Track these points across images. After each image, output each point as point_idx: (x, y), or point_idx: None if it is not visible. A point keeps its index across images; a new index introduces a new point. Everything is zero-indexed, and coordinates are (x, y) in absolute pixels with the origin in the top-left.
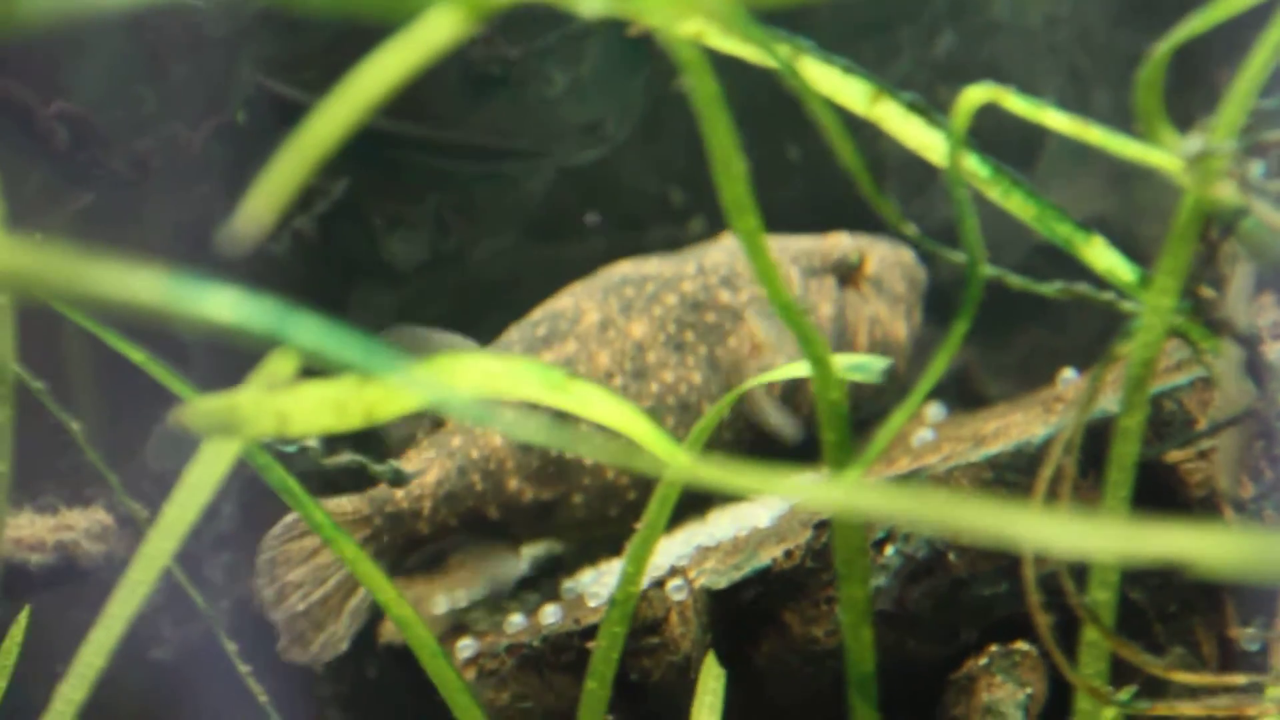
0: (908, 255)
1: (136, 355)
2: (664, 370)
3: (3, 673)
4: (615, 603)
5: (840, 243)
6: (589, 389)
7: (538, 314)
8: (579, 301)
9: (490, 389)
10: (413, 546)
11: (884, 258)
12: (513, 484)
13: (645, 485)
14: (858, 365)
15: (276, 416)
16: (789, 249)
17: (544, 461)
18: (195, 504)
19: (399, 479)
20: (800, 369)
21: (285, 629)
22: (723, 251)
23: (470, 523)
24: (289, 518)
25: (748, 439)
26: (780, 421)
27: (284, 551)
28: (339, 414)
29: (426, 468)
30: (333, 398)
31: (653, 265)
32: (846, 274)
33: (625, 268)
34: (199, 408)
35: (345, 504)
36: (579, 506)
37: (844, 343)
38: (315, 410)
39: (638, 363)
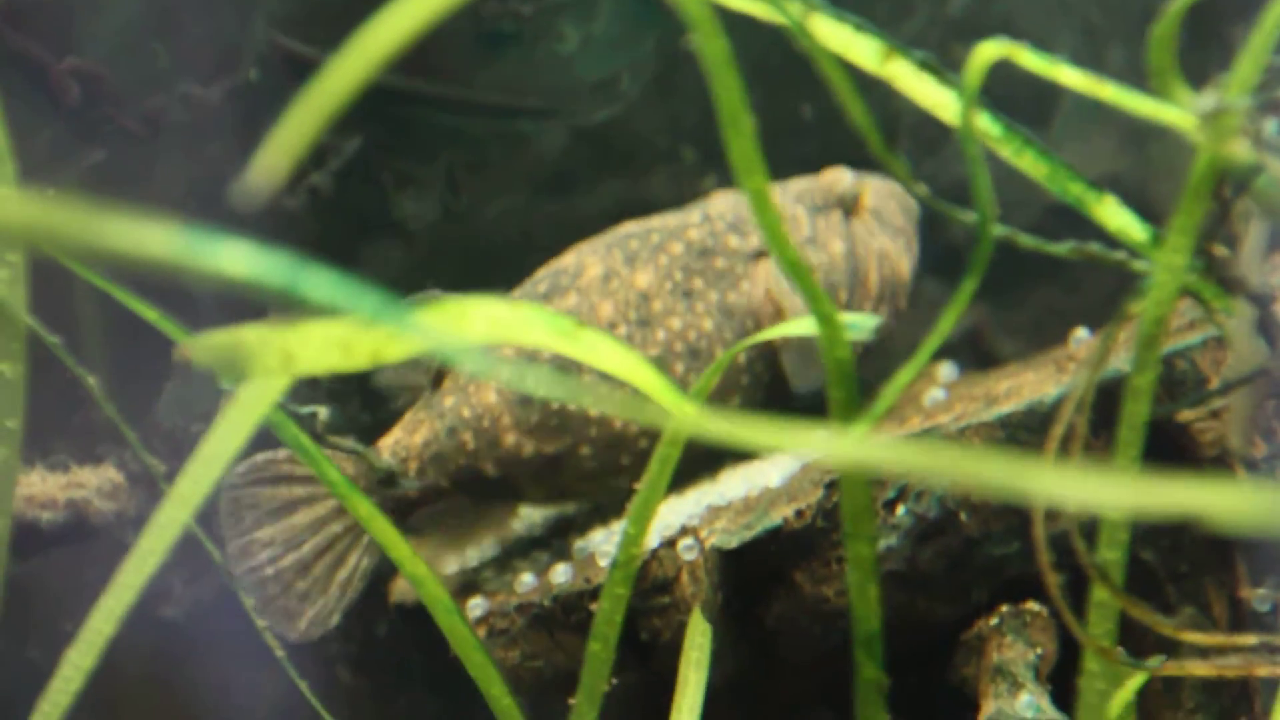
0: (899, 187)
1: (149, 313)
2: (671, 317)
3: None
4: (618, 564)
5: (841, 177)
6: (597, 336)
7: (541, 273)
8: (582, 258)
9: (498, 335)
10: (401, 511)
11: (879, 190)
12: (510, 439)
13: (655, 432)
14: (850, 324)
15: (282, 354)
16: (790, 189)
17: (545, 414)
18: (210, 475)
19: (391, 480)
20: (810, 325)
21: (259, 593)
22: (728, 199)
23: (464, 482)
24: (258, 456)
25: (764, 385)
26: (801, 370)
27: (251, 495)
28: (345, 354)
29: (414, 429)
30: (339, 337)
31: (657, 219)
32: (849, 207)
33: (630, 224)
34: (204, 342)
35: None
36: (587, 458)
37: (858, 279)
38: (321, 349)
39: (642, 311)
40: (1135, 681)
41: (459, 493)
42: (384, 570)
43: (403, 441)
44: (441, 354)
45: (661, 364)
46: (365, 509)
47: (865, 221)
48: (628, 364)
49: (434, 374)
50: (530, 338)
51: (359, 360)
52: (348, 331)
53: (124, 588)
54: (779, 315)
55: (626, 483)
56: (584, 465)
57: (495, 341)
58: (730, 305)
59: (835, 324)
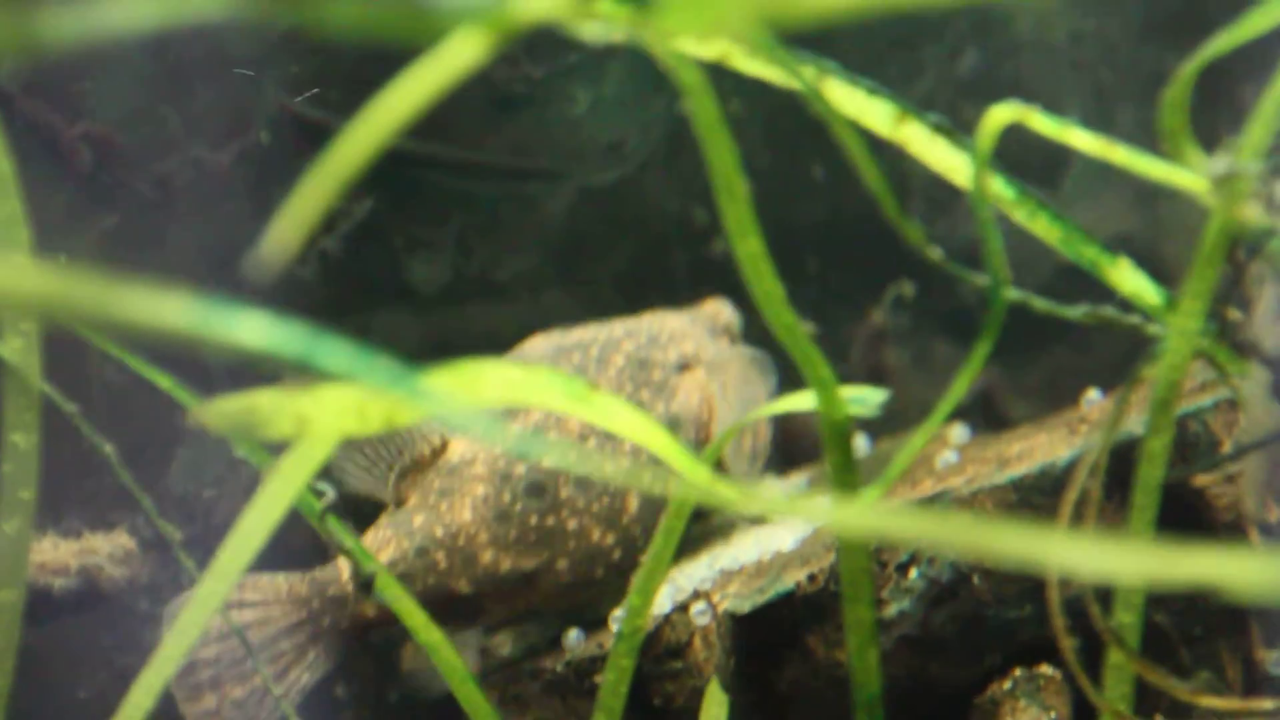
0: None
1: (163, 380)
2: None
3: None
4: (623, 636)
5: (722, 309)
6: (610, 401)
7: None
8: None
9: (511, 399)
10: (359, 632)
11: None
12: (487, 556)
13: (629, 543)
14: (857, 398)
15: (296, 419)
16: (683, 316)
17: (524, 529)
18: (250, 548)
19: (365, 586)
20: (806, 400)
21: (190, 699)
22: (630, 320)
23: (431, 601)
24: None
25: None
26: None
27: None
28: (359, 419)
29: (380, 547)
30: (353, 402)
31: (575, 333)
32: (732, 337)
33: (539, 340)
34: (218, 408)
35: (280, 582)
36: (564, 571)
37: (748, 400)
38: (336, 414)
39: None
40: None
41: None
42: (397, 636)
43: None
44: (452, 421)
45: (632, 474)
46: (382, 578)
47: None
48: (640, 428)
49: (396, 490)
50: (544, 401)
51: (373, 425)
52: (362, 397)
53: (165, 660)
54: (712, 419)
55: (596, 595)
56: (560, 580)
57: (508, 404)
58: (676, 414)
59: (831, 387)
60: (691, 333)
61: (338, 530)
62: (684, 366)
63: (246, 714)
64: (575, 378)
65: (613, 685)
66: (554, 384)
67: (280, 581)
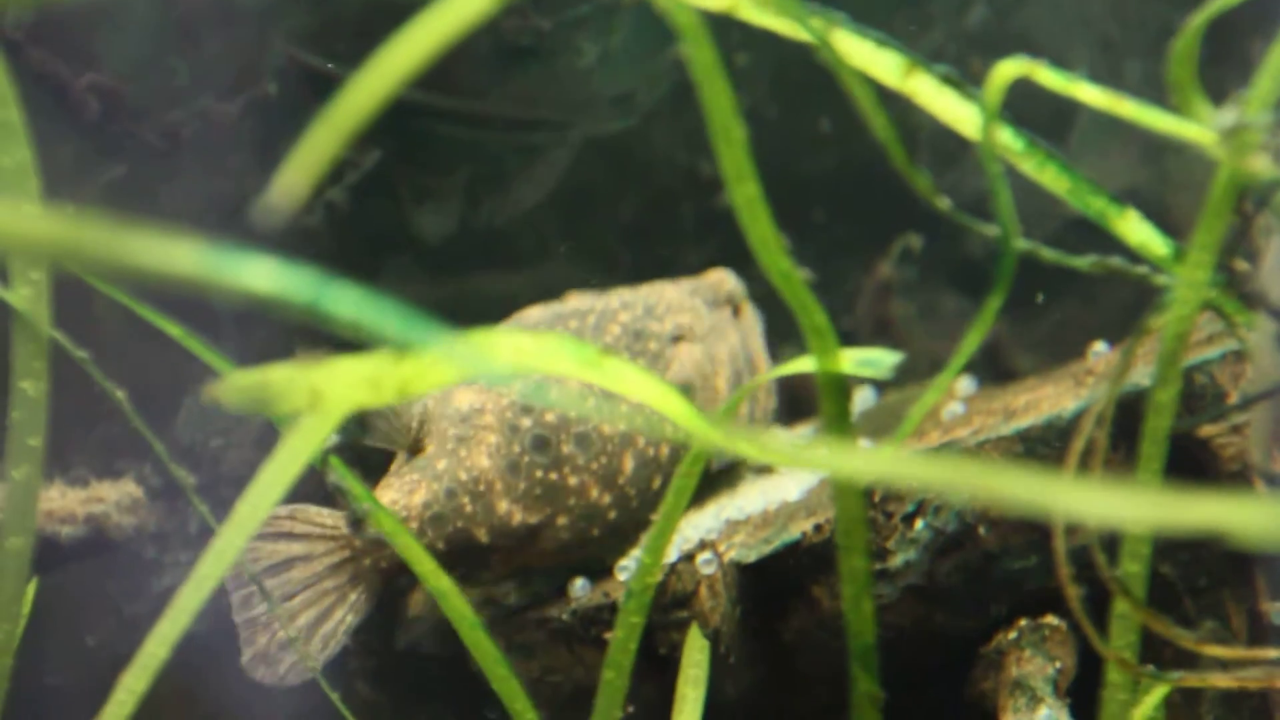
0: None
1: (173, 329)
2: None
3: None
4: (632, 593)
5: (725, 279)
6: (620, 364)
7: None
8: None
9: (523, 366)
10: (396, 573)
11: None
12: (502, 506)
13: (624, 504)
14: (868, 360)
15: (309, 392)
16: (683, 286)
17: (530, 483)
18: (267, 502)
19: (356, 524)
20: (806, 364)
21: (248, 640)
22: (626, 291)
23: (456, 546)
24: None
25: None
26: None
27: (259, 549)
28: (373, 390)
29: (412, 490)
30: (367, 374)
31: (573, 302)
32: (735, 306)
33: (536, 310)
34: (231, 383)
35: (326, 517)
36: (563, 528)
37: (750, 368)
38: (349, 385)
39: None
40: (1157, 694)
41: (450, 558)
42: (403, 584)
43: (401, 502)
44: (480, 379)
45: (628, 437)
46: (389, 524)
47: (746, 320)
48: (652, 390)
49: (413, 437)
50: (556, 367)
51: (387, 395)
52: (375, 367)
53: (180, 611)
54: (708, 389)
55: (591, 555)
56: (559, 537)
57: (521, 371)
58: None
59: (828, 338)
60: (689, 304)
61: (341, 472)
62: (678, 338)
63: (297, 652)
64: (586, 345)
65: (622, 642)
66: (564, 350)
67: (325, 517)
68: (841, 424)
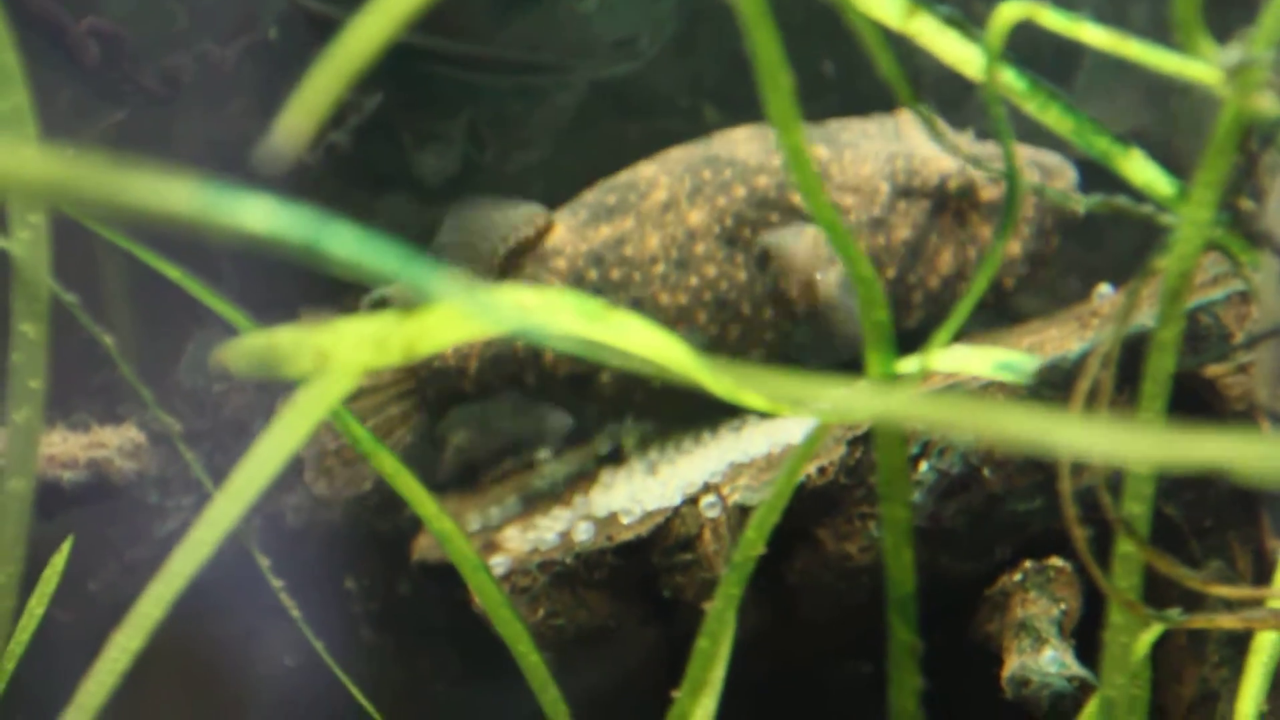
0: (1052, 163)
1: (172, 271)
2: (708, 264)
3: (42, 599)
4: (735, 566)
5: (943, 166)
6: (625, 318)
7: (624, 176)
8: (659, 173)
9: (526, 322)
10: (454, 402)
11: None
12: (550, 355)
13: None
14: (1008, 364)
15: (316, 354)
16: (884, 155)
17: None
18: (265, 473)
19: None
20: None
21: (311, 463)
22: (822, 147)
23: (511, 386)
24: None
25: (786, 341)
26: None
27: None
28: (379, 350)
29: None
30: (372, 334)
31: (743, 148)
32: (954, 203)
33: (721, 146)
34: (239, 347)
35: None
36: (606, 385)
37: (918, 273)
38: (356, 347)
39: (685, 251)
40: (1152, 633)
41: (507, 392)
42: (406, 528)
43: (466, 340)
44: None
45: (687, 312)
46: (390, 465)
47: (972, 224)
48: (657, 344)
49: (501, 272)
50: (558, 323)
51: (393, 356)
52: (381, 328)
53: (175, 575)
54: (808, 284)
55: (640, 416)
56: (603, 391)
57: (524, 328)
58: (769, 262)
59: (871, 284)
60: (866, 186)
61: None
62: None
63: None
64: (589, 299)
65: (720, 612)
66: (568, 306)
67: None
68: (886, 370)
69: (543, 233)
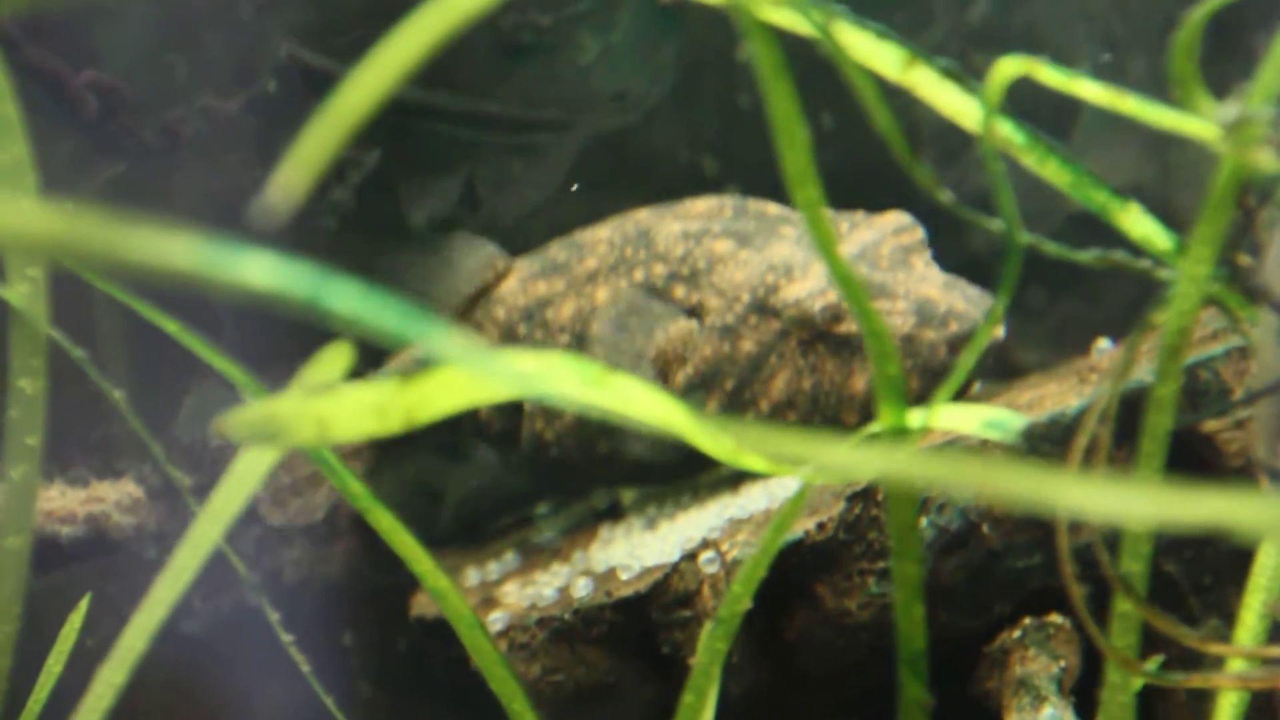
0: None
1: (170, 325)
2: (597, 346)
3: (60, 658)
4: (720, 621)
5: (807, 289)
6: (627, 383)
7: (586, 233)
8: (606, 239)
9: (526, 388)
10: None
11: None
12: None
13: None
14: (995, 422)
15: (317, 423)
16: (763, 266)
17: None
18: (244, 491)
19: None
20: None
21: (266, 494)
22: (728, 242)
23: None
24: None
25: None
26: None
27: None
28: (380, 418)
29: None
30: (373, 402)
31: (666, 227)
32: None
33: (657, 221)
34: (239, 418)
35: None
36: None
37: (755, 381)
38: (356, 415)
39: (586, 328)
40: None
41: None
42: (404, 584)
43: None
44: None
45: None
46: (387, 522)
47: (816, 354)
48: (660, 409)
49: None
50: (559, 387)
51: (393, 424)
52: (381, 395)
53: (157, 603)
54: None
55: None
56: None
57: (525, 393)
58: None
59: (884, 339)
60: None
61: None
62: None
63: (298, 490)
64: (589, 363)
65: (705, 667)
66: (568, 370)
67: None
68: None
69: (501, 277)
